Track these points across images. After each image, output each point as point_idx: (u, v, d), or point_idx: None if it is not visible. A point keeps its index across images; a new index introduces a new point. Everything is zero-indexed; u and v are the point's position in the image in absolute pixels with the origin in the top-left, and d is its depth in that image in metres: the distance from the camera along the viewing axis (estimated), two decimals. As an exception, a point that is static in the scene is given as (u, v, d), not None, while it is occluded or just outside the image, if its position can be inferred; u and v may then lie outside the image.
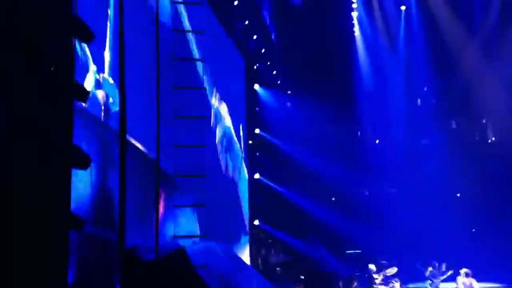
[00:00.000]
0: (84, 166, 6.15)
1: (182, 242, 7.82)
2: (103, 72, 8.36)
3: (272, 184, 19.38)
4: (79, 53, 7.69)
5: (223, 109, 15.96)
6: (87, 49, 8.00)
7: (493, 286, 17.26)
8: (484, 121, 22.64)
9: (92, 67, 8.29)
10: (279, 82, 20.40)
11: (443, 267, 15.99)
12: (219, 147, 15.27)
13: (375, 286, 15.03)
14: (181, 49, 10.44)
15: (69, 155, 5.97)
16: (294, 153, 19.71)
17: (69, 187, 5.94)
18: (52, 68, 5.65)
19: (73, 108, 5.96)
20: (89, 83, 8.13)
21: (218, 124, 15.58)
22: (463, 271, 14.63)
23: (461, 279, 14.53)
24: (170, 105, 8.90)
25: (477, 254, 18.93)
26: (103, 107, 8.14)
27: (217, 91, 14.98)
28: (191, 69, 11.38)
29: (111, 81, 8.05)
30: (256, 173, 18.94)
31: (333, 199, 20.74)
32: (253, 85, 19.33)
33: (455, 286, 14.68)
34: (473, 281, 14.45)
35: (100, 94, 8.29)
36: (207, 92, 13.80)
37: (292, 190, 19.50)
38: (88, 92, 6.06)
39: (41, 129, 5.60)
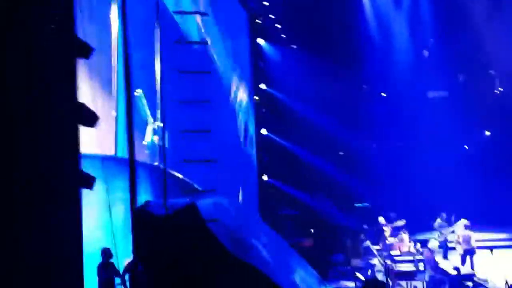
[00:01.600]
0: (91, 123, 6.17)
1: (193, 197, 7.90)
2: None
3: (279, 139, 19.40)
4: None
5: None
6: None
7: (494, 238, 17.41)
8: (492, 73, 22.35)
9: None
10: (283, 36, 20.09)
11: (452, 219, 16.08)
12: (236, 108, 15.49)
13: (384, 238, 15.17)
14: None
15: (75, 114, 5.97)
16: (299, 108, 19.63)
17: (77, 144, 5.97)
18: (53, 26, 5.60)
19: (76, 65, 5.93)
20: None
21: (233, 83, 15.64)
22: (461, 223, 14.66)
23: (460, 231, 14.60)
24: (173, 61, 9.04)
25: (484, 206, 19.03)
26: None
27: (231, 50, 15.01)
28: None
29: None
30: (262, 128, 18.93)
31: (340, 153, 20.73)
32: (257, 40, 19.08)
33: (455, 238, 14.75)
34: (471, 233, 14.50)
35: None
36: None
37: (298, 145, 19.51)
38: (91, 49, 6.02)
39: (47, 88, 5.59)
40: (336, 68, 19.37)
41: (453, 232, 15.36)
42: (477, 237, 14.98)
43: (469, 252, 14.26)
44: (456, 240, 14.67)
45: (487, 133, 21.89)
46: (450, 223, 15.77)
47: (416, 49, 21.90)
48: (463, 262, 14.25)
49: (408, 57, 21.69)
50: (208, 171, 10.40)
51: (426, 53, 22.19)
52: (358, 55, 20.56)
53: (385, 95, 22.02)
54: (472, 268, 14.09)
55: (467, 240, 14.31)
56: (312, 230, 17.32)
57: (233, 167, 14.89)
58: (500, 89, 22.17)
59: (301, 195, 18.84)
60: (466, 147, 22.11)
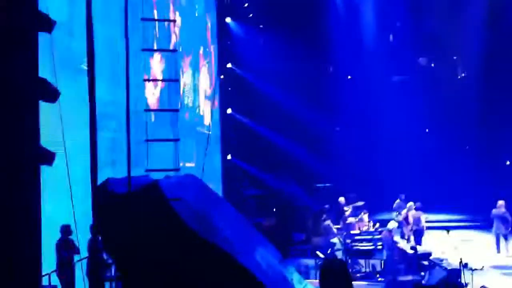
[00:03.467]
0: (52, 98, 6.05)
1: (155, 176, 7.86)
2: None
3: (243, 119, 19.39)
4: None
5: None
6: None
7: (450, 218, 17.95)
8: (454, 58, 22.79)
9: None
10: (251, 15, 19.99)
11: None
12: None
13: (344, 217, 15.43)
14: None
15: (35, 89, 5.85)
16: (265, 88, 19.66)
17: (37, 122, 5.86)
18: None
19: (37, 44, 5.79)
20: None
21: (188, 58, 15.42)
22: (411, 204, 15.08)
23: (409, 212, 15.00)
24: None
25: (442, 188, 19.56)
26: None
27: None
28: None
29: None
30: (228, 107, 18.90)
31: (305, 134, 20.91)
32: (225, 18, 18.93)
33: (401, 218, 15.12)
34: (421, 214, 14.92)
35: None
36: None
37: (263, 125, 19.58)
38: (53, 22, 5.84)
39: (6, 62, 5.45)
40: (302, 49, 19.42)
41: (404, 212, 15.70)
42: (434, 218, 15.36)
43: (418, 232, 14.70)
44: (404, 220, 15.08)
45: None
46: (404, 203, 16.10)
47: (382, 33, 22.10)
48: (415, 241, 14.65)
49: (374, 41, 21.89)
50: (171, 150, 10.36)
51: (391, 37, 22.43)
52: (325, 37, 20.65)
53: (350, 77, 22.21)
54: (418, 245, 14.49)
55: (416, 221, 14.76)
56: (274, 209, 17.49)
57: (196, 146, 14.86)
58: (462, 74, 22.64)
59: (265, 175, 18.97)
60: (427, 130, 22.58)
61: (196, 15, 15.82)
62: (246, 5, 19.64)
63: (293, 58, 19.48)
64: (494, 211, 14.65)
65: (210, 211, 8.32)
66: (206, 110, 16.83)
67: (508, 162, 21.39)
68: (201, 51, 16.49)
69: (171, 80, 8.94)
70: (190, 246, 7.40)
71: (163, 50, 8.78)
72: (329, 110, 20.69)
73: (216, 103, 17.20)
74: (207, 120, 16.47)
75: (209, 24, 15.81)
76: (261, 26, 20.35)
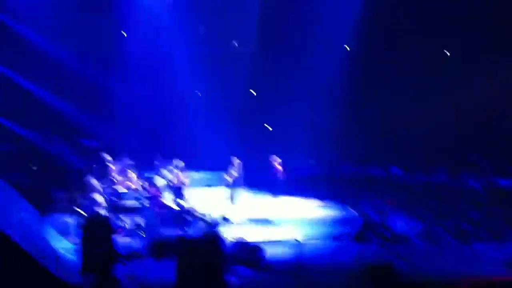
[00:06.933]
0: None
1: None
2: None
3: (4, 70, 17.75)
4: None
5: None
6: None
7: (209, 177, 18.80)
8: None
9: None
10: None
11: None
12: None
13: (110, 175, 14.98)
14: None
15: None
16: (32, 37, 18.16)
17: None
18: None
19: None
20: None
21: None
22: (174, 162, 15.46)
23: (172, 170, 15.32)
24: None
25: (206, 148, 20.31)
26: None
27: None
28: None
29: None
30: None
31: (75, 90, 19.80)
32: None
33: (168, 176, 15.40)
34: (179, 173, 15.28)
35: None
36: None
37: (25, 75, 18.11)
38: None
39: None
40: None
41: (169, 171, 15.91)
42: (199, 177, 15.85)
43: (178, 188, 15.05)
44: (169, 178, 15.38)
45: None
46: (168, 162, 16.27)
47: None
48: (177, 197, 14.95)
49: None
50: None
51: None
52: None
53: (125, 34, 21.48)
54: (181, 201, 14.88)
55: (177, 178, 15.12)
56: (35, 168, 16.36)
57: None
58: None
59: (22, 130, 17.60)
60: (200, 94, 23.09)
61: None
62: None
63: (68, 8, 18.27)
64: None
65: None
66: None
67: (270, 128, 22.96)
68: None
69: None
70: None
71: None
72: (106, 65, 19.84)
73: None
74: None
75: None
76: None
